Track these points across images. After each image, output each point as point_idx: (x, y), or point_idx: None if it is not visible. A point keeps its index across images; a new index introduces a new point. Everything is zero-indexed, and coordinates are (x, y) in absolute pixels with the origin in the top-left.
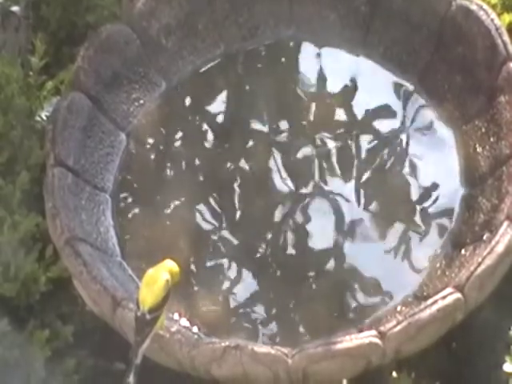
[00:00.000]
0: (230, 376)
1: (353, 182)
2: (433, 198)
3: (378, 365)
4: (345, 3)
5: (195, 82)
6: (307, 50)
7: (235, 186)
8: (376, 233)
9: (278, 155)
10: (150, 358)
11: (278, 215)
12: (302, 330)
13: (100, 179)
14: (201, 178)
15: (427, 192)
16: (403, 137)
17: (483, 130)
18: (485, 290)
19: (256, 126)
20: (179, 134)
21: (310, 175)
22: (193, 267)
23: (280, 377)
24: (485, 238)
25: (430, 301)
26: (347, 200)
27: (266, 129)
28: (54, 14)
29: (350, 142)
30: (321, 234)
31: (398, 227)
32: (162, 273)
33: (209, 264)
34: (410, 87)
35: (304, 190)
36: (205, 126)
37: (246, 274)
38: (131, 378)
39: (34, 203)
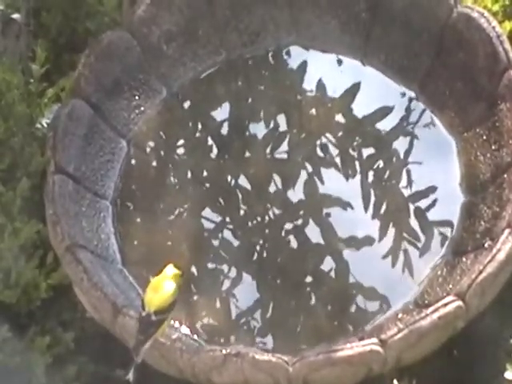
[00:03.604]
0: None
1: (353, 189)
2: (434, 205)
3: (378, 373)
4: (345, 9)
5: (196, 89)
6: (308, 57)
7: (235, 192)
8: (376, 240)
9: (278, 162)
10: (151, 365)
11: (277, 222)
12: (302, 337)
13: (100, 186)
14: (201, 185)
15: (428, 199)
16: (404, 143)
17: (484, 137)
18: (486, 297)
19: (257, 132)
20: (180, 141)
21: (311, 182)
22: (193, 274)
23: None
24: (486, 245)
25: (431, 308)
26: (347, 207)
27: (266, 135)
28: (54, 20)
29: (350, 148)
30: (321, 240)
31: (399, 234)
32: (170, 280)
33: (209, 271)
34: (411, 93)
35: (304, 197)
36: (205, 133)
37: (246, 281)
38: (131, 375)
39: (35, 210)
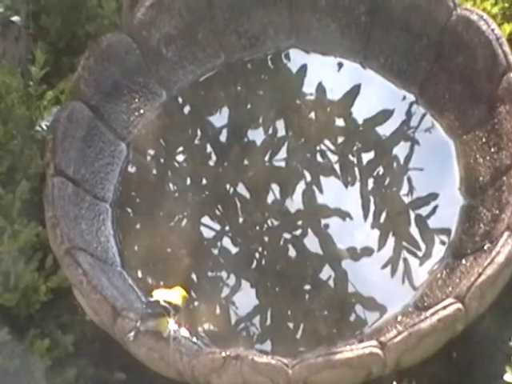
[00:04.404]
0: None
1: (352, 194)
2: (433, 208)
3: (378, 375)
4: (345, 13)
5: (195, 92)
6: (308, 60)
7: (234, 200)
8: (376, 243)
9: (276, 170)
10: (150, 367)
11: (276, 231)
12: (301, 343)
13: (100, 189)
14: (200, 190)
15: (427, 202)
16: (403, 147)
17: (484, 139)
18: (485, 300)
19: (256, 136)
20: (179, 144)
21: (309, 191)
22: (192, 277)
23: None
24: (485, 248)
25: (430, 311)
26: (346, 217)
27: (265, 141)
28: (54, 23)
29: (350, 154)
30: (320, 250)
31: (398, 238)
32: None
33: (208, 274)
34: (411, 97)
35: (302, 207)
36: (205, 137)
37: (245, 288)
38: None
39: (34, 213)
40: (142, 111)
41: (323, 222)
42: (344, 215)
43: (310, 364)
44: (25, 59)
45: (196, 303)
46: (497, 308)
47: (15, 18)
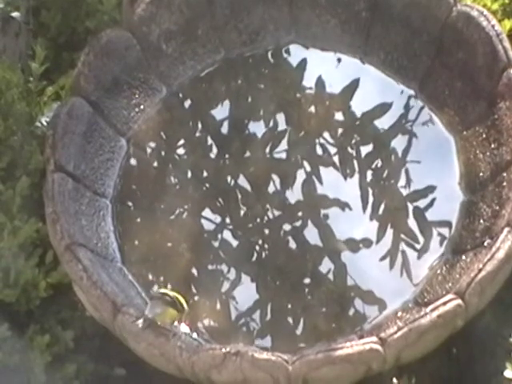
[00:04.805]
0: (230, 382)
1: (351, 189)
2: (433, 204)
3: (378, 371)
4: (345, 8)
5: (195, 88)
6: (307, 55)
7: (235, 193)
8: (375, 239)
9: (277, 162)
10: (151, 363)
11: (276, 223)
12: (301, 338)
13: (100, 185)
14: (201, 184)
15: (427, 198)
16: (403, 142)
17: (484, 135)
18: (485, 296)
19: (256, 131)
20: (179, 140)
21: (309, 182)
22: (192, 272)
23: (280, 383)
24: (485, 244)
25: (430, 307)
26: (345, 207)
27: (266, 134)
28: (54, 19)
29: (348, 147)
30: (319, 242)
31: (398, 233)
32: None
33: (208, 269)
34: (411, 92)
35: (302, 198)
36: (205, 132)
37: (245, 280)
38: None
39: (34, 208)
40: (142, 107)
41: (323, 212)
42: (343, 205)
43: (310, 360)
44: (25, 55)
45: (196, 298)
46: (497, 304)
47: (15, 14)
